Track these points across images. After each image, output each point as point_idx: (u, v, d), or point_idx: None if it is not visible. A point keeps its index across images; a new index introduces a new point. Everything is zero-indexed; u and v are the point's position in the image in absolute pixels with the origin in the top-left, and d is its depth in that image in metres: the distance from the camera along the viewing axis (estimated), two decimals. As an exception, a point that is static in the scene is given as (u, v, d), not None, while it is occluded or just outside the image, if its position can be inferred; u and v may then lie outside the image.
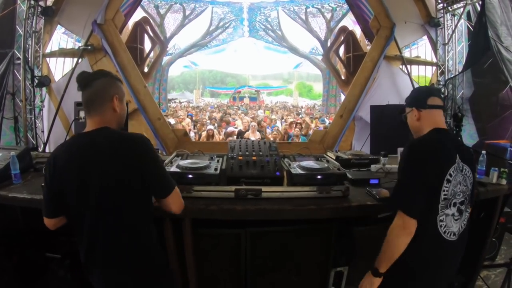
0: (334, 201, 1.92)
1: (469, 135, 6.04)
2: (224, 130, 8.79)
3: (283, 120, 11.90)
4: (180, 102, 22.47)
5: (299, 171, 2.09)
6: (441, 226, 1.49)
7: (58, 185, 1.41)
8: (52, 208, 1.47)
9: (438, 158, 1.50)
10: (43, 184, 1.50)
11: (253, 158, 2.17)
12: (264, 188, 1.91)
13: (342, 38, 10.56)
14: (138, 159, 1.40)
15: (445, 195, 1.49)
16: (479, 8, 5.27)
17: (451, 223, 1.51)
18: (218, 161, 2.29)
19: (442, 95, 6.54)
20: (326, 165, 2.21)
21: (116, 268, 1.43)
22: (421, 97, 1.69)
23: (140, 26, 9.49)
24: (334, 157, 2.70)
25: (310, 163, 2.20)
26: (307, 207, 1.84)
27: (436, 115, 1.65)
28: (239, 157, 2.18)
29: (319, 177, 2.03)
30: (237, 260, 2.07)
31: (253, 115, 13.00)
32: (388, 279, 1.56)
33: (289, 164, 2.23)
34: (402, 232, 1.47)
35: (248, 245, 2.03)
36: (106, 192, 1.37)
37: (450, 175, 1.49)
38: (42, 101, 6.02)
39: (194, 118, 10.63)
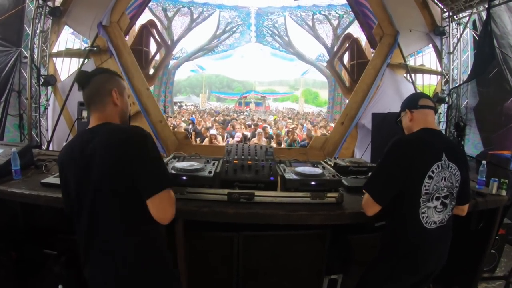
0: (327, 207, 1.89)
1: (473, 145, 5.99)
2: (232, 133, 9.05)
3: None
4: (186, 105, 22.57)
5: (293, 176, 2.06)
6: (423, 217, 1.60)
7: (64, 182, 1.43)
8: (65, 205, 1.49)
9: (417, 155, 1.60)
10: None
11: (248, 162, 2.15)
12: (257, 192, 1.89)
13: (347, 45, 10.54)
14: (126, 154, 1.32)
15: (426, 190, 1.58)
16: (484, 17, 5.26)
17: (433, 214, 1.61)
18: (213, 164, 2.28)
19: (446, 104, 6.51)
20: (321, 171, 2.18)
21: (109, 271, 1.36)
22: (413, 99, 1.82)
23: (146, 29, 9.56)
24: (332, 164, 2.68)
25: (305, 169, 2.17)
26: (299, 212, 1.82)
27: (427, 115, 1.74)
28: (234, 161, 2.16)
29: (313, 183, 2.01)
30: (229, 263, 2.05)
31: (254, 121, 12.95)
32: (380, 261, 1.73)
33: (284, 170, 2.21)
34: (366, 210, 1.68)
35: (240, 248, 2.02)
36: (100, 190, 1.32)
37: (433, 172, 1.58)
38: (47, 100, 6.12)
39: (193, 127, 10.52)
